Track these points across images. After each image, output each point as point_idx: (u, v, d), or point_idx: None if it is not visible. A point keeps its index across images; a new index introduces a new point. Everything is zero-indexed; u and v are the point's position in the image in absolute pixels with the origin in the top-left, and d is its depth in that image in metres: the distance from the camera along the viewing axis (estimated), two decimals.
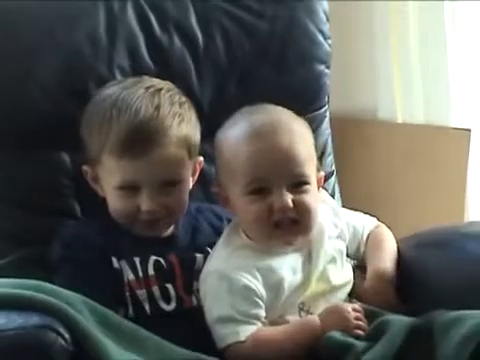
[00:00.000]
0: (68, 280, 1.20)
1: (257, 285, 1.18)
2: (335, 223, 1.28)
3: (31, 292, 1.04)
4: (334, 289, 1.23)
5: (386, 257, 1.28)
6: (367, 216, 1.34)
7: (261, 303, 1.18)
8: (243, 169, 1.19)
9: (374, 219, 1.34)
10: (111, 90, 1.27)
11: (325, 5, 1.51)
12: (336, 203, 1.34)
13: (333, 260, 1.25)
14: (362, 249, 1.31)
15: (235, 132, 1.21)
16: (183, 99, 1.28)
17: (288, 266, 1.21)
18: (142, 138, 1.21)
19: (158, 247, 1.26)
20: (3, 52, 1.33)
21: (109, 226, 1.26)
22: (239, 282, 1.17)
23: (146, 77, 1.30)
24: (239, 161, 1.19)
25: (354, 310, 1.17)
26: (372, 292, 1.23)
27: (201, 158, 1.32)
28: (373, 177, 1.90)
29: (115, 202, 1.24)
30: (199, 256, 1.27)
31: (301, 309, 1.20)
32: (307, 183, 1.20)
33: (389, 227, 1.35)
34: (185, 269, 1.24)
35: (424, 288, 1.24)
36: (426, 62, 1.83)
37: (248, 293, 1.17)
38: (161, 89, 1.26)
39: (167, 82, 1.29)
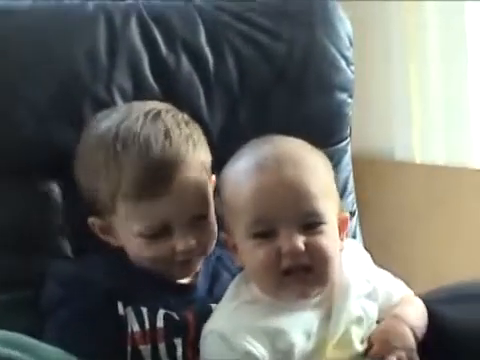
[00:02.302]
0: (62, 328, 1.08)
1: (262, 351, 1.03)
2: (367, 279, 1.13)
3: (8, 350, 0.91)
4: (358, 357, 1.08)
5: (411, 309, 1.14)
6: (399, 281, 1.20)
7: None
8: (245, 209, 1.06)
9: (405, 286, 1.20)
10: (105, 124, 1.14)
11: (349, 29, 1.40)
12: (369, 257, 1.18)
13: (359, 321, 1.09)
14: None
15: (237, 167, 1.09)
16: (186, 117, 1.17)
17: (302, 328, 1.06)
18: (161, 173, 1.09)
19: (173, 296, 1.13)
20: None
21: (117, 264, 1.13)
22: (241, 347, 1.03)
23: (134, 102, 1.19)
24: (241, 200, 1.06)
25: None
26: (384, 330, 1.09)
27: (214, 176, 1.19)
28: (389, 222, 1.82)
29: (142, 251, 1.12)
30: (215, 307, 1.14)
31: None
32: (322, 223, 1.06)
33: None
34: (200, 323, 1.10)
35: (465, 349, 1.11)
36: (447, 96, 1.76)
37: None
38: (160, 111, 1.14)
39: (159, 102, 1.18)
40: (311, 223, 1.05)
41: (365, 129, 1.82)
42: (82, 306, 1.08)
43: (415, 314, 1.13)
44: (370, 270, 1.15)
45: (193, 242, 1.11)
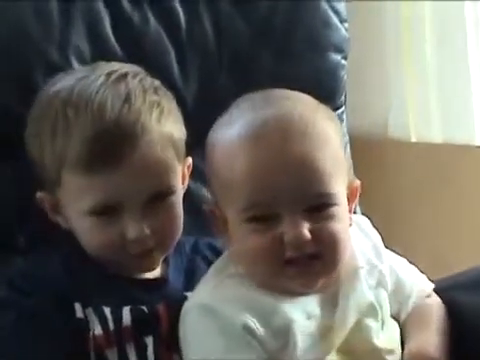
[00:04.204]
0: (7, 333, 0.96)
1: (257, 325, 0.91)
2: (374, 264, 1.00)
3: None
4: (378, 354, 0.94)
5: (433, 334, 0.99)
6: (418, 272, 1.06)
7: (263, 352, 0.91)
8: (240, 187, 0.92)
9: (427, 281, 1.06)
10: (60, 85, 1.03)
11: None
12: (379, 238, 1.05)
13: (372, 311, 0.96)
14: (403, 316, 1.02)
15: (230, 133, 0.95)
16: (156, 83, 1.06)
17: (301, 308, 0.93)
18: (114, 142, 0.98)
19: (141, 293, 1.02)
20: None
21: (75, 260, 1.02)
22: (235, 320, 0.90)
23: (102, 62, 1.08)
24: (235, 175, 0.93)
25: None
26: None
27: (190, 159, 1.08)
28: (384, 204, 1.74)
29: (89, 233, 1.02)
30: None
31: None
32: (332, 205, 0.93)
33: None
34: (174, 316, 0.98)
35: None
36: (444, 69, 1.69)
37: (246, 336, 0.90)
38: (126, 74, 1.03)
39: (132, 65, 1.08)
40: (320, 205, 0.93)
41: (357, 106, 1.73)
42: (30, 309, 0.97)
43: (441, 338, 0.98)
44: (379, 253, 1.02)
45: (147, 231, 1.00)
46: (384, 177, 1.75)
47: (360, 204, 1.41)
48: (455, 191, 1.66)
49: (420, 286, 1.04)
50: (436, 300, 1.04)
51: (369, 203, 1.60)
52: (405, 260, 1.05)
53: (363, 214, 1.35)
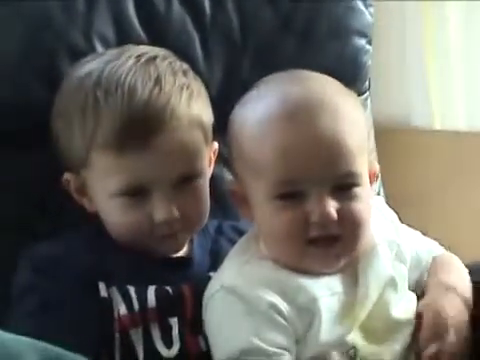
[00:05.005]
0: (32, 317, 0.97)
1: (284, 305, 0.92)
2: (392, 240, 1.01)
3: None
4: (396, 326, 0.95)
5: (457, 274, 1.02)
6: (431, 240, 1.09)
7: (291, 330, 0.92)
8: (269, 166, 0.94)
9: (439, 246, 1.09)
10: (89, 66, 1.05)
11: None
12: (395, 215, 1.06)
13: (392, 283, 0.97)
14: (425, 278, 1.04)
15: (258, 110, 0.96)
16: (185, 66, 1.06)
17: (324, 285, 0.95)
18: (144, 124, 0.99)
19: (166, 272, 1.02)
20: None
21: (98, 241, 1.03)
22: (261, 299, 0.91)
23: (130, 45, 1.09)
24: (264, 154, 0.94)
25: None
26: (433, 307, 0.96)
27: (216, 144, 1.09)
28: (406, 195, 1.71)
29: (116, 215, 1.02)
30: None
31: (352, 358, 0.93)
32: (357, 185, 0.95)
33: None
34: (199, 300, 0.98)
35: None
36: (469, 55, 1.66)
37: (274, 315, 0.91)
38: (156, 57, 1.04)
39: (160, 48, 1.08)
40: (345, 185, 0.94)
41: (380, 93, 1.70)
42: (54, 291, 0.97)
43: (465, 281, 1.01)
44: (396, 229, 1.03)
45: (175, 213, 1.00)
46: (407, 165, 1.73)
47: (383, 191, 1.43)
48: (478, 181, 1.64)
49: (436, 251, 1.06)
50: (454, 256, 1.06)
51: (392, 191, 1.60)
52: (418, 232, 1.07)
53: (386, 202, 1.36)
